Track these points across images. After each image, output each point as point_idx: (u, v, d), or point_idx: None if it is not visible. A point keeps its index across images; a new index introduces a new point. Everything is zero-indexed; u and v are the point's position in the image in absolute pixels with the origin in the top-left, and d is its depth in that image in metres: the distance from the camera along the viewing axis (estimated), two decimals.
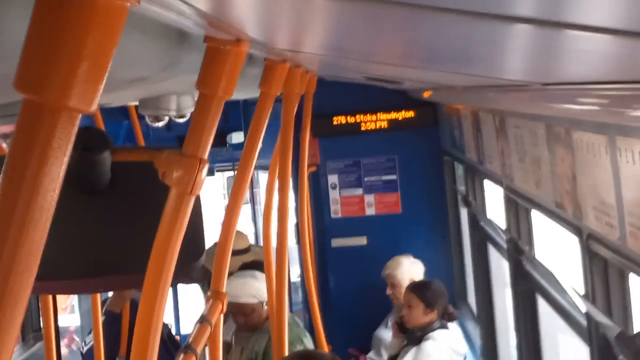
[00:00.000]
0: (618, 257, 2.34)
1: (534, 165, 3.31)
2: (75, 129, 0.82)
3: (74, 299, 10.69)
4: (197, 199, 1.81)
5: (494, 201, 5.09)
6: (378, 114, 7.08)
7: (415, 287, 5.66)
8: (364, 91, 6.79)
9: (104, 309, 5.43)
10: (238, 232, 5.08)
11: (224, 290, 2.55)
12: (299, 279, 7.77)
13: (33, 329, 6.72)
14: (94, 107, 0.83)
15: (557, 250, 3.73)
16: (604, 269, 2.65)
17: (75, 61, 0.80)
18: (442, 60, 2.07)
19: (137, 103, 4.37)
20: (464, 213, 6.59)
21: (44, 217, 0.79)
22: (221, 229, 2.70)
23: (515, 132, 3.64)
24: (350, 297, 6.98)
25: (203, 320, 2.30)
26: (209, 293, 2.53)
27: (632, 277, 2.51)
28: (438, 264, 6.77)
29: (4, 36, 1.06)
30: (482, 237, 5.62)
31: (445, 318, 5.51)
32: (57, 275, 2.16)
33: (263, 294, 4.52)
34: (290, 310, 7.68)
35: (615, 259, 2.39)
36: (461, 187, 6.50)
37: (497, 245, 5.01)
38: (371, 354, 6.50)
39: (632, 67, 1.29)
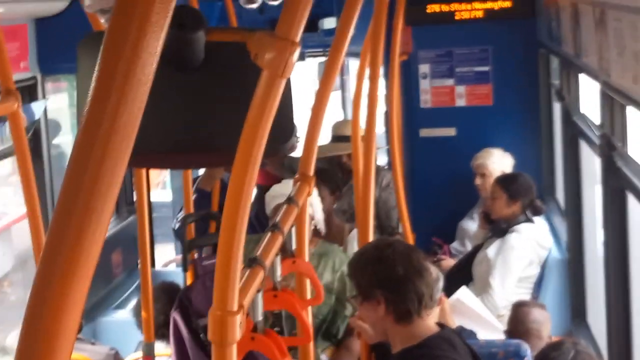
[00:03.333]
0: None
1: (633, 60, 3.21)
2: (172, 4, 0.83)
3: (166, 175, 10.97)
4: (288, 82, 1.82)
5: (589, 96, 4.97)
6: (473, 3, 6.91)
7: (501, 179, 5.65)
8: None
9: (194, 186, 5.56)
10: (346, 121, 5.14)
11: (311, 173, 2.58)
12: (386, 167, 7.79)
13: (127, 202, 6.96)
14: None
15: None
16: None
17: None
18: None
19: None
20: (556, 107, 6.47)
21: (142, 90, 0.81)
22: (310, 115, 2.71)
23: (616, 25, 3.52)
24: (437, 187, 6.99)
25: (291, 201, 2.34)
26: (296, 175, 2.57)
27: None
28: (528, 157, 6.70)
29: None
30: (574, 132, 5.52)
31: (531, 212, 5.49)
32: (151, 148, 2.22)
33: None
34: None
35: None
36: (555, 81, 6.35)
37: (589, 141, 4.92)
38: (455, 244, 6.55)
39: None
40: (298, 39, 1.74)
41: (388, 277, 2.93)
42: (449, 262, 6.06)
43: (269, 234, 2.07)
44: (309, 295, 2.57)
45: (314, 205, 4.33)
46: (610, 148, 4.02)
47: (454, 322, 3.97)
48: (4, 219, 7.31)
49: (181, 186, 5.55)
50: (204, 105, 2.29)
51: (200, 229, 5.35)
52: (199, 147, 2.28)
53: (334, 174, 5.66)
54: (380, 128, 7.16)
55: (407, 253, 3.00)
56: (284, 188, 4.22)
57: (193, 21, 2.09)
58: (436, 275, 3.00)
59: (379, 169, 5.88)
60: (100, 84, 0.80)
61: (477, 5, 6.92)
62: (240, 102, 1.73)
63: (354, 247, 4.69)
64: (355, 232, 4.83)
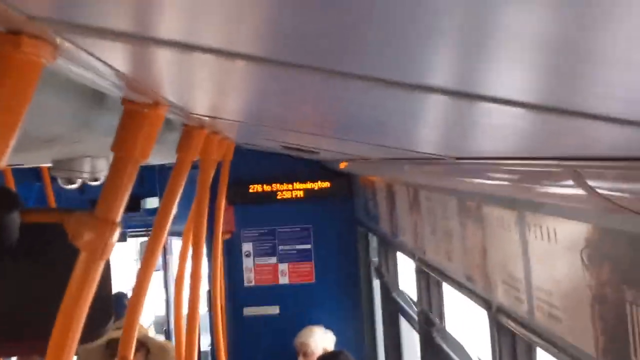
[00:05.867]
0: (525, 331, 2.37)
1: (445, 238, 3.36)
2: None
3: None
4: (107, 263, 1.78)
5: (407, 273, 5.13)
6: (294, 184, 7.11)
7: (322, 357, 5.65)
8: (280, 160, 6.82)
9: None
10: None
11: (131, 357, 2.49)
12: (209, 348, 7.64)
13: None
14: (3, 164, 0.81)
15: (467, 322, 3.77)
16: (512, 342, 2.68)
17: None
18: (357, 130, 2.10)
19: (49, 165, 4.30)
20: (376, 284, 6.62)
21: None
22: (132, 295, 2.65)
23: (428, 205, 3.70)
24: None
25: None
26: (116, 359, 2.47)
27: (539, 352, 2.54)
28: (350, 334, 6.76)
29: None
30: (394, 308, 5.64)
31: None
32: None
33: None
34: None
35: (522, 333, 2.43)
36: (374, 259, 6.54)
37: (408, 317, 5.03)
38: None
39: (542, 142, 1.32)
40: (119, 219, 1.72)
41: None
42: None
43: None
44: None
45: None
46: (429, 324, 4.12)
47: None
48: None
49: None
50: (17, 290, 2.19)
51: None
52: (11, 335, 2.17)
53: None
54: (203, 308, 7.07)
55: None
56: None
57: (6, 202, 2.03)
58: None
59: None
60: None
61: (297, 185, 7.12)
62: (58, 286, 1.67)
63: None
64: None
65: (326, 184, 7.11)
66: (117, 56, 1.10)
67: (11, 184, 4.99)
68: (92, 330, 1.94)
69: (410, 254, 4.43)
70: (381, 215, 5.44)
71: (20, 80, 0.83)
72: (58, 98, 1.64)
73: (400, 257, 5.32)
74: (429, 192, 3.63)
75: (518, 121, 1.07)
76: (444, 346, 3.89)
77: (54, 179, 5.08)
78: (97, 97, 1.90)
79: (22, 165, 4.39)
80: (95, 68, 1.24)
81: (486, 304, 2.81)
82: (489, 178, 2.02)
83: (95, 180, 4.17)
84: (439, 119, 1.31)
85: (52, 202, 6.12)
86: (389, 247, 5.62)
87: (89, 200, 6.75)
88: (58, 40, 0.91)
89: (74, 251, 1.67)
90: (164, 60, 1.10)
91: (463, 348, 3.64)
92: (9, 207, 2.04)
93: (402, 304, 5.24)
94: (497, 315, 2.68)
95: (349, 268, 7.08)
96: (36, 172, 6.25)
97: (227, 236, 7.02)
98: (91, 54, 1.08)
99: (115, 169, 1.75)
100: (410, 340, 5.39)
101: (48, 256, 2.17)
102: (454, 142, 1.78)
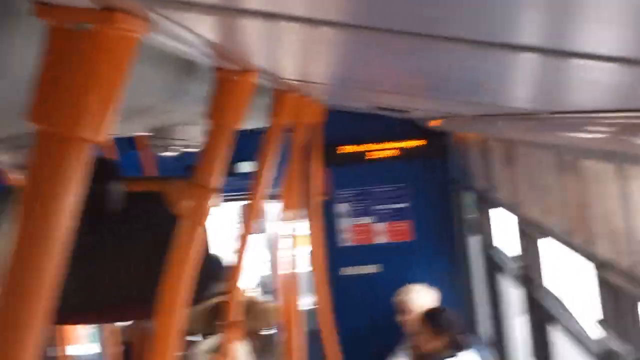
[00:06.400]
0: (629, 285, 2.33)
1: (543, 192, 3.31)
2: (87, 159, 0.83)
3: (91, 327, 10.66)
4: (206, 228, 1.82)
5: (505, 229, 5.08)
6: (387, 143, 7.09)
7: (425, 314, 5.66)
8: (373, 120, 6.81)
9: (120, 338, 5.43)
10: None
11: (236, 319, 2.55)
12: (311, 307, 7.73)
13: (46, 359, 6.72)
14: (104, 138, 0.84)
15: (566, 278, 3.72)
16: (614, 297, 2.64)
17: (85, 92, 0.82)
18: (450, 89, 2.08)
19: (147, 134, 4.39)
20: (473, 241, 6.58)
21: (60, 247, 0.79)
22: (233, 258, 2.70)
23: (524, 161, 3.64)
24: (363, 325, 6.95)
25: (218, 350, 2.30)
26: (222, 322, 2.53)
27: None
28: (448, 291, 6.74)
29: (15, 68, 1.07)
30: (491, 265, 5.60)
31: (455, 346, 5.49)
32: (72, 306, 2.16)
33: None
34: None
35: (625, 287, 2.39)
36: (470, 216, 6.49)
37: (506, 273, 4.99)
38: None
39: (638, 95, 1.29)
40: (216, 185, 1.76)
41: None
42: None
43: None
44: None
45: None
46: (528, 280, 4.09)
47: None
48: None
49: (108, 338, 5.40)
50: (123, 257, 2.26)
51: None
52: (121, 301, 2.24)
53: None
54: (304, 268, 7.15)
55: None
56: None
57: (110, 173, 2.09)
58: None
59: (269, 338, 5.62)
60: (19, 241, 0.78)
61: (391, 145, 7.10)
62: (161, 251, 1.72)
63: None
64: None
65: (420, 142, 7.07)
66: (207, 27, 1.12)
67: (113, 154, 5.12)
68: (196, 294, 1.99)
69: (508, 210, 4.38)
70: (476, 171, 5.39)
71: (117, 55, 0.86)
72: (151, 69, 1.67)
73: (498, 213, 5.27)
74: (524, 147, 3.58)
75: (614, 75, 1.05)
76: (545, 301, 3.85)
77: (152, 147, 5.19)
78: (188, 67, 1.93)
79: (120, 134, 4.50)
80: (186, 39, 1.26)
81: (588, 258, 2.77)
82: (586, 132, 1.99)
83: (191, 147, 4.25)
84: (533, 77, 1.29)
85: (151, 170, 6.26)
86: (485, 204, 5.57)
87: (186, 166, 6.88)
88: (150, 14, 0.94)
89: (174, 217, 1.71)
90: (252, 29, 1.12)
91: (563, 304, 3.60)
92: (113, 177, 2.10)
93: (500, 260, 5.20)
94: (599, 269, 2.64)
95: (446, 225, 7.05)
96: (135, 141, 6.38)
97: (323, 197, 7.06)
98: (183, 26, 1.10)
99: (211, 137, 1.78)
100: (509, 296, 5.35)
101: (150, 223, 2.23)
102: (548, 98, 1.75)
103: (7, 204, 1.98)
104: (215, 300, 3.96)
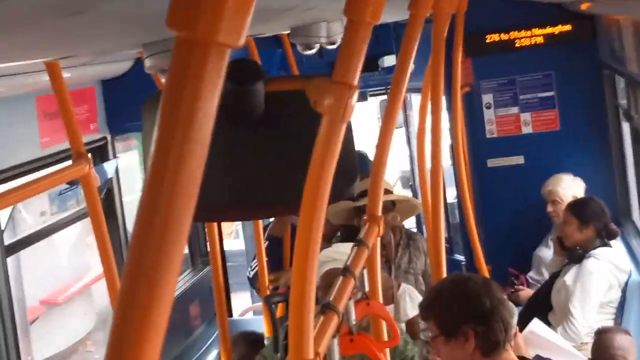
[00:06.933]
0: None
1: None
2: (226, 63, 0.84)
3: (238, 224, 11.06)
4: (349, 124, 1.83)
5: None
6: (533, 30, 6.87)
7: (572, 204, 5.57)
8: (517, 6, 6.60)
9: (266, 233, 5.60)
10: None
11: (379, 213, 2.58)
12: (455, 200, 7.73)
13: (201, 254, 7.03)
14: (242, 42, 0.85)
15: None
16: None
17: None
18: None
19: (288, 32, 4.42)
20: (626, 128, 6.36)
21: (200, 149, 0.82)
22: (375, 153, 2.72)
23: None
24: (508, 217, 6.91)
25: (361, 243, 2.34)
26: (365, 217, 2.57)
27: None
28: (599, 181, 6.58)
29: None
30: None
31: (606, 235, 5.39)
32: (218, 203, 2.24)
33: None
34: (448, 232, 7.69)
35: None
36: (622, 101, 6.26)
37: None
38: (532, 273, 6.45)
39: None
40: (356, 82, 1.76)
41: (476, 311, 2.89)
42: (528, 293, 5.96)
43: (340, 278, 2.07)
44: (385, 337, 2.56)
45: None
46: None
47: (529, 354, 3.90)
48: (84, 278, 7.44)
49: (253, 234, 5.59)
50: (267, 156, 2.32)
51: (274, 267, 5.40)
52: (267, 198, 2.30)
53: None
54: (446, 161, 7.12)
55: (488, 285, 2.98)
56: (335, 253, 3.90)
57: (251, 74, 2.13)
58: (512, 306, 2.98)
59: (413, 235, 5.57)
60: (159, 146, 0.81)
61: (537, 31, 6.87)
62: (303, 150, 1.75)
63: (406, 303, 4.59)
64: (405, 288, 4.69)
65: (567, 27, 6.81)
66: None
67: (254, 53, 5.19)
68: (339, 189, 2.03)
69: None
70: (628, 55, 5.16)
71: None
72: None
73: None
74: None
75: None
76: None
77: (293, 45, 5.24)
78: None
79: (263, 34, 4.55)
80: None
81: None
82: None
83: (332, 43, 4.26)
84: None
85: (294, 67, 6.31)
86: (637, 88, 5.35)
87: (328, 63, 6.90)
88: None
89: (317, 115, 1.73)
90: None
91: None
92: (254, 78, 2.14)
93: None
94: None
95: (596, 113, 6.83)
96: (277, 39, 6.44)
97: (467, 89, 6.95)
98: None
99: (349, 33, 1.77)
100: None
101: (293, 122, 2.27)
102: None
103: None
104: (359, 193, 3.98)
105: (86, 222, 5.92)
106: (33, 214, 6.57)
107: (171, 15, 0.83)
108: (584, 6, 5.38)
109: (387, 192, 4.95)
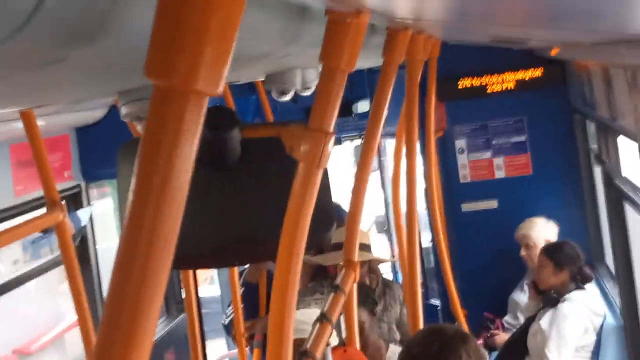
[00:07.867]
0: None
1: None
2: (204, 111, 0.85)
3: (213, 270, 11.00)
4: (325, 171, 1.84)
5: (630, 158, 4.94)
6: (504, 75, 6.95)
7: (546, 248, 5.60)
8: (489, 52, 6.68)
9: (241, 279, 5.57)
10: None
11: (355, 259, 2.58)
12: (430, 245, 7.75)
13: (176, 301, 6.97)
14: (220, 89, 0.86)
15: None
16: None
17: (199, 46, 0.83)
18: (568, 17, 2.03)
19: (263, 79, 4.44)
20: (597, 171, 6.42)
21: (179, 196, 0.82)
22: (351, 197, 2.72)
23: None
24: (483, 261, 6.92)
25: (337, 289, 2.34)
26: (341, 263, 2.57)
27: None
28: (573, 224, 6.62)
29: (134, 26, 1.10)
30: (617, 195, 5.46)
31: (581, 279, 5.41)
32: (194, 250, 2.24)
33: None
34: (423, 273, 7.68)
35: None
36: (593, 145, 6.33)
37: (634, 204, 4.86)
38: (507, 318, 6.45)
39: None
40: (332, 128, 1.77)
41: None
42: (503, 337, 5.96)
43: (317, 325, 2.06)
44: None
45: None
46: None
47: None
48: (57, 327, 7.35)
49: (228, 280, 5.56)
50: (243, 202, 2.32)
51: (251, 319, 5.36)
52: (242, 244, 2.30)
53: (368, 289, 4.76)
54: (421, 205, 7.14)
55: (467, 341, 2.91)
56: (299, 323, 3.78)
57: (227, 121, 2.14)
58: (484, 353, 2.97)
59: (389, 284, 5.39)
60: (137, 193, 0.82)
61: (508, 76, 6.95)
62: (280, 195, 1.75)
63: None
64: (394, 350, 4.62)
65: (537, 72, 6.89)
66: None
67: (230, 100, 5.21)
68: (316, 235, 2.03)
69: (633, 137, 4.25)
70: (598, 100, 5.23)
71: (228, 6, 0.87)
72: (265, 16, 1.69)
73: (621, 141, 5.12)
74: None
75: None
76: None
77: (268, 92, 5.27)
78: (301, 11, 1.94)
79: (238, 81, 4.57)
80: None
81: None
82: None
83: (307, 89, 4.28)
84: None
85: (269, 114, 6.34)
86: (608, 133, 5.41)
87: (303, 108, 6.93)
88: None
89: (293, 162, 1.74)
90: None
91: None
92: (230, 125, 2.15)
93: (627, 190, 5.06)
94: None
95: (567, 157, 6.89)
96: (252, 86, 6.47)
97: (440, 134, 7.00)
98: None
99: (324, 80, 1.79)
100: (638, 228, 5.22)
101: (269, 168, 2.27)
102: None
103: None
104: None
105: (60, 270, 5.87)
106: (6, 262, 6.51)
107: (149, 64, 0.83)
108: (553, 52, 5.46)
109: (365, 247, 4.72)
